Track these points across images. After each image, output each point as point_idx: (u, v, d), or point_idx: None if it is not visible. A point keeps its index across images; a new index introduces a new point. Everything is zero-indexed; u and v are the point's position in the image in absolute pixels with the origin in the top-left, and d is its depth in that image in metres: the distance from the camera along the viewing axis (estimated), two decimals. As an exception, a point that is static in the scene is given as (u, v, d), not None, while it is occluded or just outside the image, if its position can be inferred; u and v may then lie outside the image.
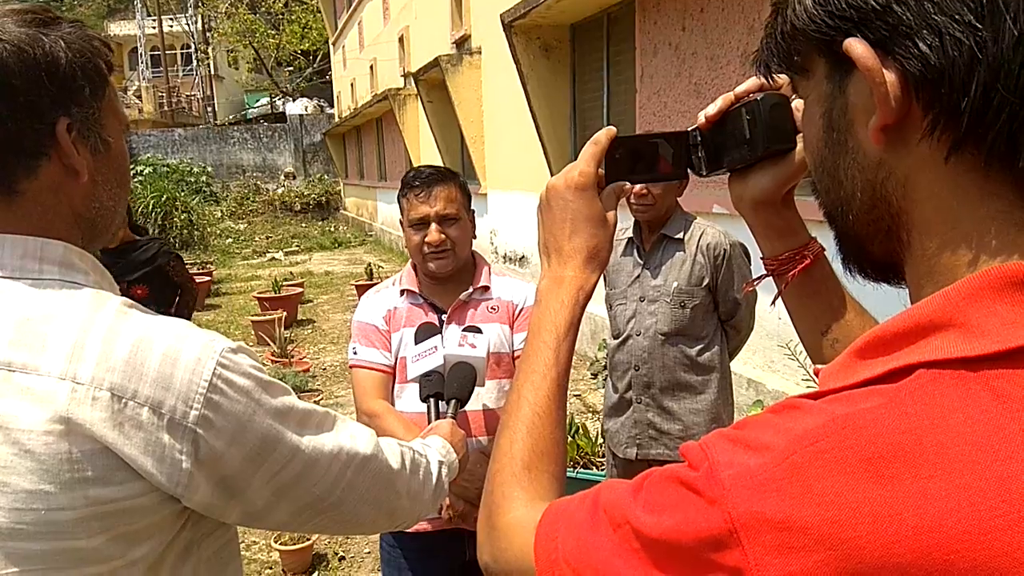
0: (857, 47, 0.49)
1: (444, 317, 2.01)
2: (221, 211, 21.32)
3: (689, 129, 0.81)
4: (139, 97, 35.52)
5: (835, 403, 0.48)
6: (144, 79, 36.20)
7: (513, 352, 2.02)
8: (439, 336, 1.82)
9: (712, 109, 0.78)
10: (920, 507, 0.42)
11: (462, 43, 10.43)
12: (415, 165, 11.71)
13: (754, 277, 0.93)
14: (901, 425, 0.44)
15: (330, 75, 26.77)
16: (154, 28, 33.85)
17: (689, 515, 0.49)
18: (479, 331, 1.80)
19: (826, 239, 0.82)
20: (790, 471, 0.46)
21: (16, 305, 0.80)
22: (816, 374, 0.58)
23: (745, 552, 0.46)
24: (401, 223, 2.08)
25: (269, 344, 7.29)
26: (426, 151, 12.86)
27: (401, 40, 14.52)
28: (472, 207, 2.09)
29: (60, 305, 0.80)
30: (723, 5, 4.74)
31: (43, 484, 0.75)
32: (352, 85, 20.99)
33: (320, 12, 25.99)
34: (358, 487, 0.97)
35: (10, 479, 0.75)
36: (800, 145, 0.75)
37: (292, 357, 7.09)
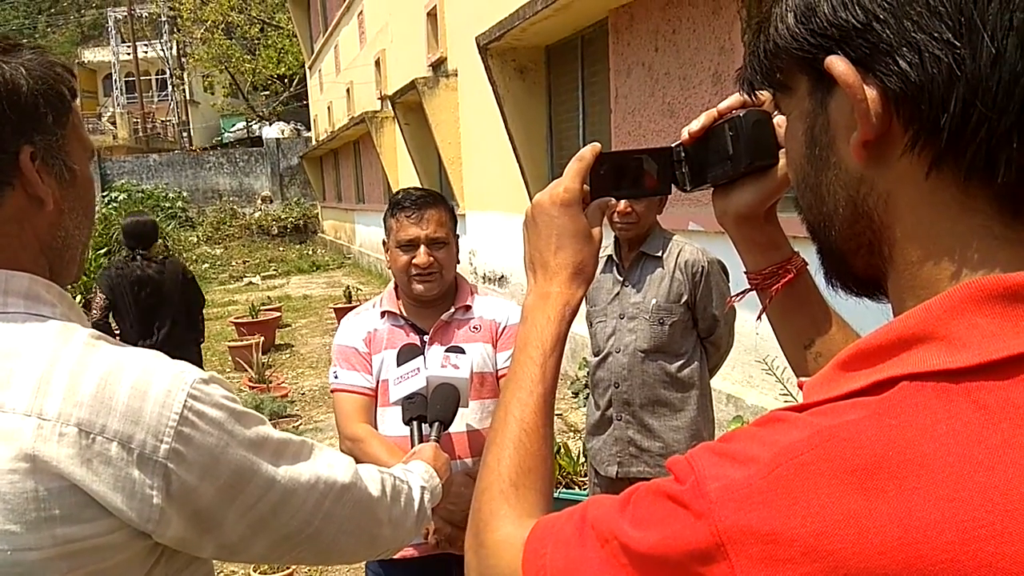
0: (839, 64, 0.50)
1: (426, 338, 2.00)
2: (197, 236, 21.17)
3: (673, 145, 0.82)
4: (113, 123, 35.27)
5: (819, 415, 0.48)
6: (118, 105, 35.99)
7: (497, 372, 2.01)
8: (421, 358, 1.80)
9: (696, 125, 0.79)
10: (904, 518, 0.42)
11: (438, 66, 10.49)
12: (393, 187, 11.62)
13: (735, 293, 0.94)
14: (884, 437, 0.44)
15: (307, 99, 26.77)
16: (128, 54, 33.73)
17: (676, 529, 0.49)
18: (462, 351, 1.78)
19: (809, 254, 0.83)
20: (775, 483, 0.46)
21: None
22: (800, 387, 0.59)
23: (732, 565, 0.46)
24: (384, 243, 2.07)
25: (247, 370, 7.22)
26: (404, 173, 12.87)
27: (377, 63, 14.57)
28: (456, 231, 2.09)
29: (25, 339, 0.79)
30: (694, 26, 4.81)
31: (8, 524, 0.73)
32: (329, 108, 21.00)
33: (296, 36, 26.04)
34: (337, 517, 0.95)
35: None
36: (783, 160, 0.75)
37: (270, 382, 7.02)
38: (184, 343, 4.62)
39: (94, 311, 4.44)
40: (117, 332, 4.54)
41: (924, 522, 0.42)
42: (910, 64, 0.47)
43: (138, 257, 4.59)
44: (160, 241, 4.81)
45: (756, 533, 0.45)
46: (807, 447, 0.46)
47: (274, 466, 0.87)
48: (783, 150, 0.76)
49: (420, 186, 2.24)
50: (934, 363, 0.46)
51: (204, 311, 5.15)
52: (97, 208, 18.61)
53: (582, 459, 4.15)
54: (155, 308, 4.56)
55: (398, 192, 2.08)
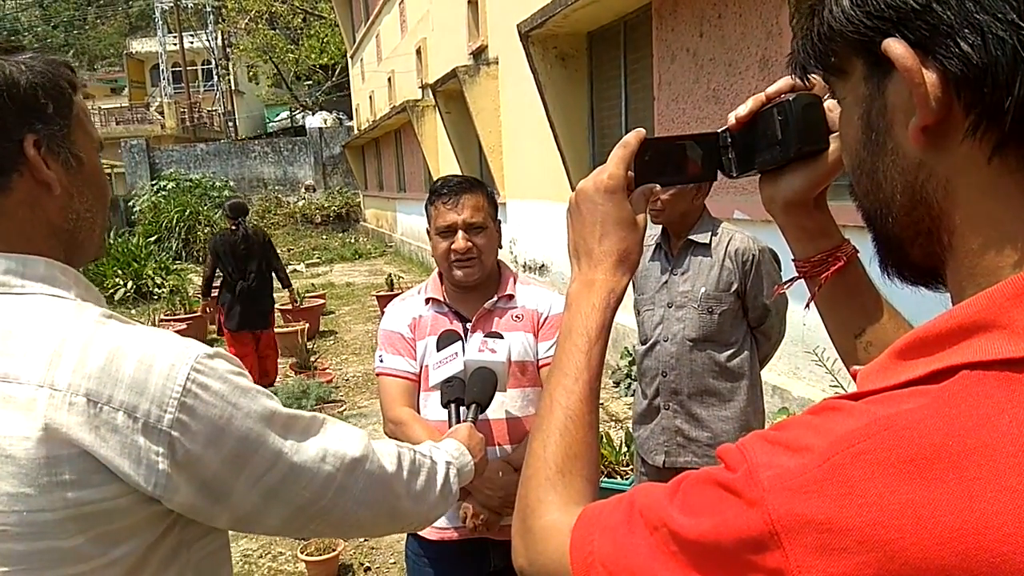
0: (896, 48, 0.49)
1: (469, 325, 2.02)
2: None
3: (719, 131, 0.81)
4: (161, 113, 35.98)
5: (876, 404, 0.48)
6: (166, 95, 36.69)
7: (538, 361, 2.02)
8: (460, 343, 1.83)
9: (743, 110, 0.78)
10: (965, 509, 0.42)
11: (479, 54, 10.48)
12: (434, 176, 11.70)
13: (784, 281, 0.92)
14: (944, 426, 0.44)
15: (349, 88, 26.98)
16: (175, 45, 34.34)
17: (728, 516, 0.49)
18: (500, 336, 1.81)
19: (858, 242, 0.82)
20: (831, 472, 0.45)
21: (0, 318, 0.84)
22: (853, 376, 0.58)
23: (786, 553, 0.46)
24: (428, 232, 2.10)
25: (292, 356, 7.34)
26: (445, 162, 12.92)
27: (418, 52, 14.61)
28: (498, 216, 2.10)
29: (41, 317, 0.84)
30: (740, 11, 4.73)
31: (23, 487, 0.78)
32: (371, 97, 21.14)
33: (338, 26, 26.22)
34: (351, 489, 0.99)
35: None
36: (833, 145, 0.74)
37: (315, 368, 7.13)
38: (266, 285, 6.73)
39: (206, 268, 6.80)
40: (220, 277, 6.58)
41: (985, 512, 0.41)
42: (972, 46, 0.46)
43: (236, 225, 6.60)
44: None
45: (811, 522, 0.45)
46: (864, 436, 0.45)
47: (282, 438, 0.91)
48: (834, 135, 0.74)
49: (460, 174, 2.25)
50: (996, 352, 0.45)
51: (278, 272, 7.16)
52: (146, 196, 19.10)
53: (624, 449, 4.14)
54: (247, 259, 6.53)
55: (437, 180, 2.10)
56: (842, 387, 3.46)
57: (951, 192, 0.51)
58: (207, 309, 6.87)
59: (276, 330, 8.49)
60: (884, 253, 0.59)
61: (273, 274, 6.83)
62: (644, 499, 0.57)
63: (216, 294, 6.68)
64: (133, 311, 11.04)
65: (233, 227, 6.65)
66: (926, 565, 0.42)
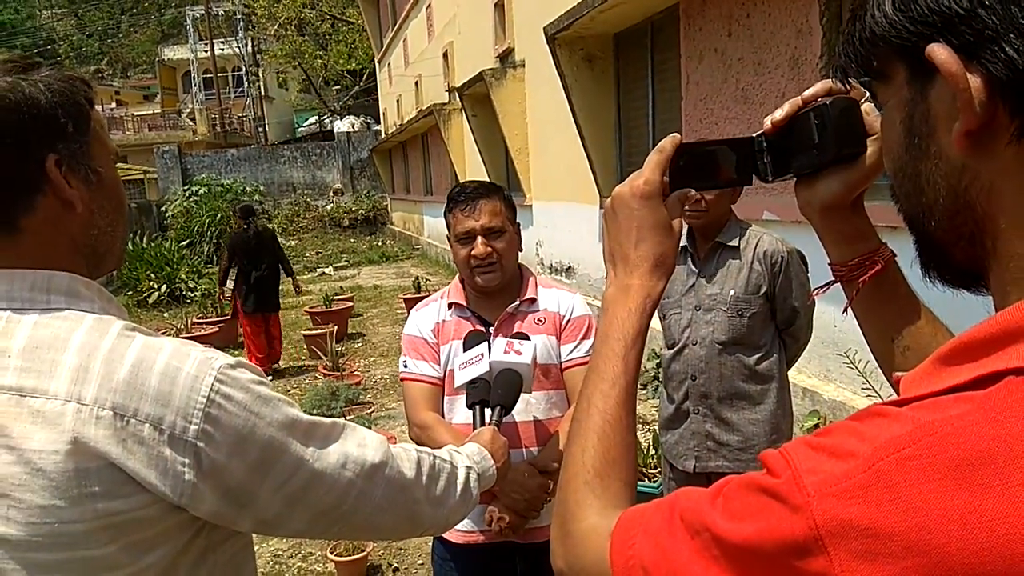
0: (940, 53, 0.49)
1: (491, 329, 2.02)
2: (273, 228, 21.76)
3: (754, 135, 0.81)
4: (193, 119, 36.50)
5: (921, 410, 0.47)
6: (197, 102, 37.21)
7: (561, 363, 2.02)
8: (486, 344, 1.83)
9: (779, 114, 0.78)
10: (1012, 514, 0.41)
11: (506, 57, 10.50)
12: (460, 179, 11.78)
13: (820, 284, 0.92)
14: (991, 432, 0.43)
15: (376, 93, 27.16)
16: (206, 52, 34.78)
17: (772, 522, 0.49)
18: (526, 338, 1.81)
19: (895, 244, 0.81)
20: (876, 477, 0.45)
21: (27, 334, 0.85)
22: (896, 382, 0.58)
23: (831, 559, 0.45)
24: (449, 239, 2.11)
25: (321, 358, 7.40)
26: (471, 165, 12.95)
27: (445, 55, 14.68)
28: (518, 220, 2.10)
29: (66, 332, 0.86)
30: (769, 9, 4.69)
31: (54, 500, 0.80)
32: (398, 101, 21.26)
33: (366, 31, 26.42)
34: (371, 495, 1.00)
35: (25, 496, 0.81)
36: (871, 149, 0.74)
37: (344, 370, 7.18)
38: (275, 277, 7.93)
39: (223, 262, 7.90)
40: (235, 270, 7.75)
41: None
42: (1017, 51, 0.46)
43: (247, 224, 7.80)
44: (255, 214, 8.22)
45: (856, 527, 0.45)
46: (909, 441, 0.45)
47: (303, 445, 0.93)
48: (871, 138, 0.74)
49: (481, 179, 2.26)
50: None
51: (284, 285, 8.40)
52: (179, 201, 19.38)
53: (651, 451, 4.12)
54: (257, 253, 7.68)
55: (454, 187, 2.11)
56: (874, 390, 3.42)
57: (995, 196, 0.50)
58: (222, 297, 8.16)
59: (304, 332, 8.66)
60: (926, 256, 0.59)
61: (279, 265, 8.07)
62: (686, 503, 0.57)
63: (232, 284, 7.93)
64: (166, 314, 11.21)
65: (244, 226, 7.82)
66: (974, 571, 0.41)
